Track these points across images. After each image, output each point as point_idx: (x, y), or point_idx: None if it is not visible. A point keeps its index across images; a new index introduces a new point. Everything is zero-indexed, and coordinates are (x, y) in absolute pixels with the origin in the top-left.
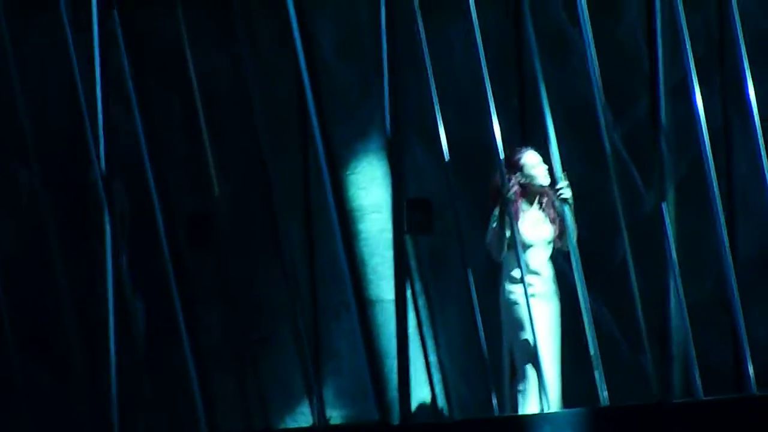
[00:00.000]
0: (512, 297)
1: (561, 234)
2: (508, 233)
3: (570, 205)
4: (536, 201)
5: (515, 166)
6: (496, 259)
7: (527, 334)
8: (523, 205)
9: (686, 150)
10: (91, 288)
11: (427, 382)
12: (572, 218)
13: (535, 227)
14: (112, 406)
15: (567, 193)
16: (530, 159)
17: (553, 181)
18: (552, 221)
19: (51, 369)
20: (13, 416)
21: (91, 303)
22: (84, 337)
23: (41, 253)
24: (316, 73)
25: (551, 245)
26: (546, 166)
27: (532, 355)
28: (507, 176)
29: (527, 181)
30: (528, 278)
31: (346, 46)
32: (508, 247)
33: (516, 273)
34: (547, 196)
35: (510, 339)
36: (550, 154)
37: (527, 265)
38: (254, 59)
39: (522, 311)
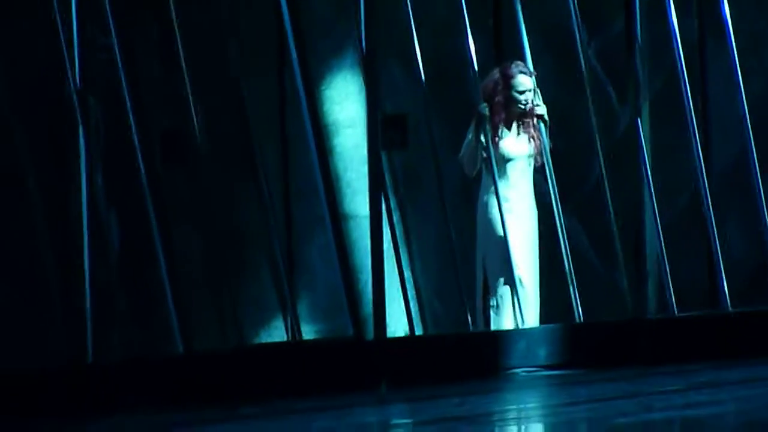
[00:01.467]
0: (489, 210)
1: (540, 152)
2: (484, 153)
3: (546, 122)
4: (516, 119)
5: (505, 81)
6: (469, 173)
7: (502, 248)
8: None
9: (661, 66)
10: (65, 204)
11: (401, 297)
12: (547, 136)
13: (515, 142)
14: (86, 323)
15: (542, 110)
16: (521, 83)
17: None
18: (531, 138)
19: (24, 286)
20: None
21: (66, 219)
22: (58, 254)
23: (14, 169)
24: None
25: (531, 160)
26: (531, 94)
27: (506, 270)
28: (494, 88)
29: (511, 100)
30: (506, 192)
31: None
32: (487, 162)
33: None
34: (528, 116)
35: (484, 253)
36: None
37: (507, 179)
38: None
39: (498, 226)
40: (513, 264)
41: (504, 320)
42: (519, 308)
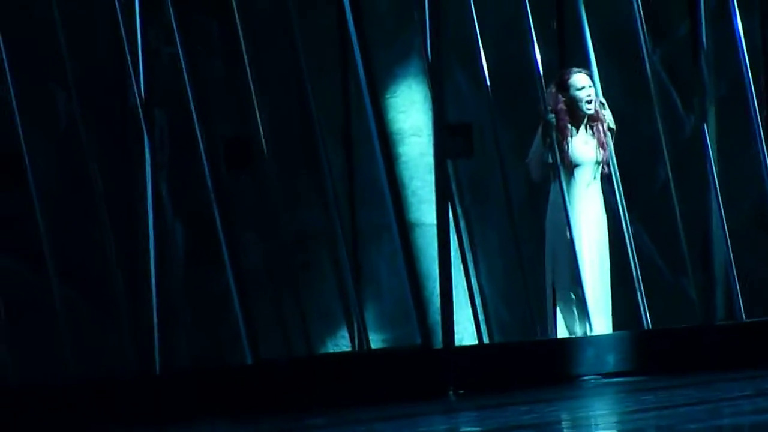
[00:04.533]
0: (559, 213)
1: (608, 161)
2: (550, 158)
3: (613, 131)
4: (584, 124)
5: (562, 85)
6: (535, 178)
7: (570, 256)
8: (570, 125)
9: (726, 71)
10: (130, 214)
11: (469, 305)
12: (613, 142)
13: (584, 147)
14: (153, 332)
15: (609, 117)
16: (578, 80)
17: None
18: (600, 145)
19: (91, 296)
20: (54, 346)
21: (131, 229)
22: (124, 264)
23: (80, 179)
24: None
25: (599, 167)
26: (593, 91)
27: (576, 277)
28: (556, 96)
29: (572, 103)
30: (576, 196)
31: None
32: (555, 167)
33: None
34: (597, 121)
35: (553, 255)
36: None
37: (576, 184)
38: None
39: (566, 229)
40: (581, 267)
41: (572, 327)
42: (587, 313)
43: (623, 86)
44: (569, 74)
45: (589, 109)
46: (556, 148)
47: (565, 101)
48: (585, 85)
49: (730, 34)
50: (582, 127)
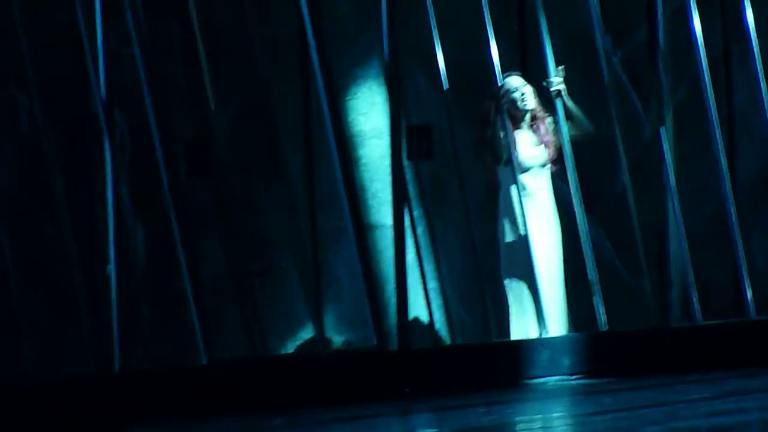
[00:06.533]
0: (507, 222)
1: (555, 160)
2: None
3: (564, 96)
4: (528, 125)
5: (499, 93)
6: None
7: (522, 261)
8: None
9: (685, 75)
10: (91, 216)
11: (426, 308)
12: (575, 107)
13: (528, 151)
14: (112, 335)
15: (558, 84)
16: (510, 83)
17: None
18: (545, 144)
19: (51, 298)
20: (13, 346)
21: (91, 231)
22: (84, 266)
23: (41, 181)
24: (317, 2)
25: (546, 169)
26: (530, 89)
27: (527, 280)
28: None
29: (510, 106)
30: (524, 201)
31: None
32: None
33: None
34: (538, 119)
35: (507, 266)
36: (548, 78)
37: (524, 188)
38: None
39: (517, 234)
40: (536, 275)
41: (523, 319)
42: (542, 318)
43: (583, 87)
44: (503, 80)
45: (526, 105)
46: (506, 141)
47: (506, 107)
48: (517, 86)
49: (689, 37)
50: (525, 130)
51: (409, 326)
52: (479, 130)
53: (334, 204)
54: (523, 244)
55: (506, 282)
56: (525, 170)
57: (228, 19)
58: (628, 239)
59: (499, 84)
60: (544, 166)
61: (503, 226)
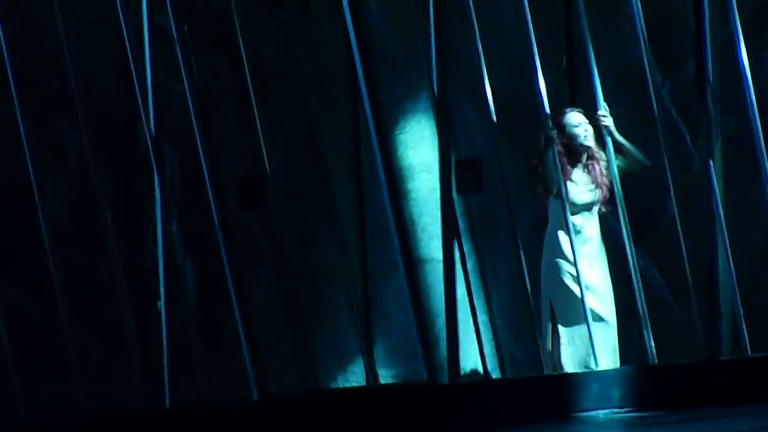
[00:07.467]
0: (555, 260)
1: (606, 200)
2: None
3: (612, 132)
4: (582, 164)
5: (558, 127)
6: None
7: (569, 298)
8: (569, 167)
9: (734, 107)
10: (141, 252)
11: (476, 341)
12: (625, 141)
13: (579, 191)
14: (163, 371)
15: (607, 120)
16: (573, 119)
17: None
18: (597, 185)
19: (102, 334)
20: (64, 382)
21: (142, 267)
22: (134, 302)
23: (91, 216)
24: (365, 37)
25: (596, 209)
26: (590, 127)
27: (575, 317)
28: (553, 137)
29: (569, 141)
30: (574, 241)
31: (394, 9)
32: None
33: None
34: (593, 159)
35: (550, 291)
36: (598, 112)
37: (573, 227)
38: (303, 24)
39: (565, 264)
40: (585, 301)
41: (575, 360)
42: (592, 347)
43: (632, 120)
44: (563, 114)
45: (587, 141)
46: (557, 174)
47: (562, 143)
48: (580, 122)
49: (737, 70)
50: (580, 168)
51: (459, 360)
52: (534, 159)
53: (384, 237)
54: (573, 283)
55: (560, 325)
56: (575, 212)
57: (277, 53)
58: (677, 270)
59: (546, 113)
60: (593, 206)
61: (552, 263)
